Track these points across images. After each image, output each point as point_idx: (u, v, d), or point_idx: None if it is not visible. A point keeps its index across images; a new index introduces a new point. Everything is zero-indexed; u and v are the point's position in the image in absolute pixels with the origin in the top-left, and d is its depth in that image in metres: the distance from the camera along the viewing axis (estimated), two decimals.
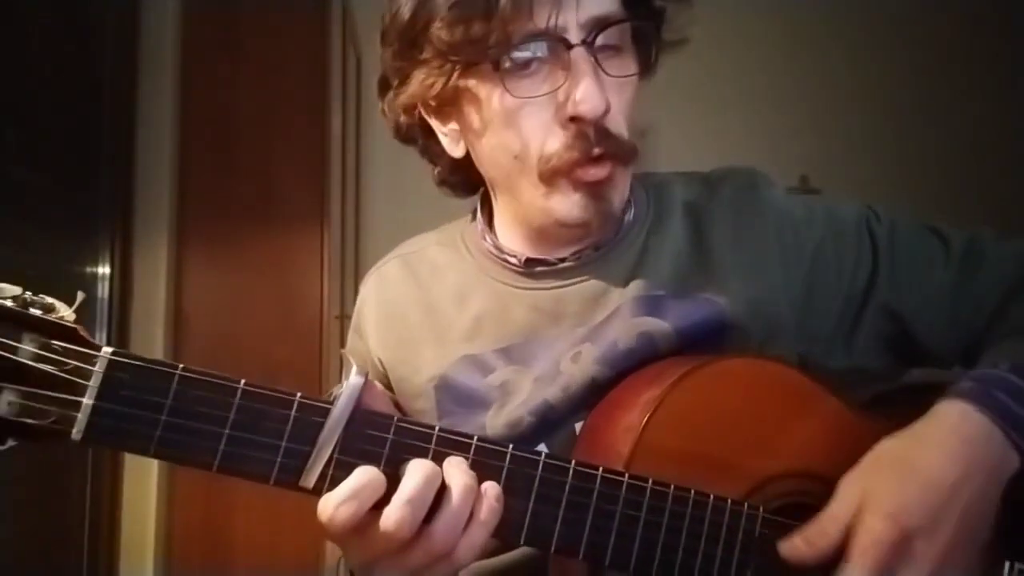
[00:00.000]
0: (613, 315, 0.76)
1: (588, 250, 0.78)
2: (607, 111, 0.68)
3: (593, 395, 0.74)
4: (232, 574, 2.24)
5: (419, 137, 0.81)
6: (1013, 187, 3.21)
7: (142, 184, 2.34)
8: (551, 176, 0.71)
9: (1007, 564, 0.69)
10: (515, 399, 0.76)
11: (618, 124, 0.70)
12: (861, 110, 3.32)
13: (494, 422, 0.76)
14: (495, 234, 0.82)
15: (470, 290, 0.81)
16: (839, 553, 0.61)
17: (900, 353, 0.80)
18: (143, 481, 2.24)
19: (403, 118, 0.78)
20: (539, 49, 0.67)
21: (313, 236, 2.39)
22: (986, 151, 3.30)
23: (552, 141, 0.69)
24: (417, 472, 0.54)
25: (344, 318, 2.70)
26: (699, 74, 2.84)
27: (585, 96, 0.66)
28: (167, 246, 2.31)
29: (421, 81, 0.71)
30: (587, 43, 0.67)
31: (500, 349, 0.77)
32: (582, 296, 0.77)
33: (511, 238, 0.80)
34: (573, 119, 0.68)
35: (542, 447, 0.74)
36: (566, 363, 0.75)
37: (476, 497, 0.56)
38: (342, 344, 2.71)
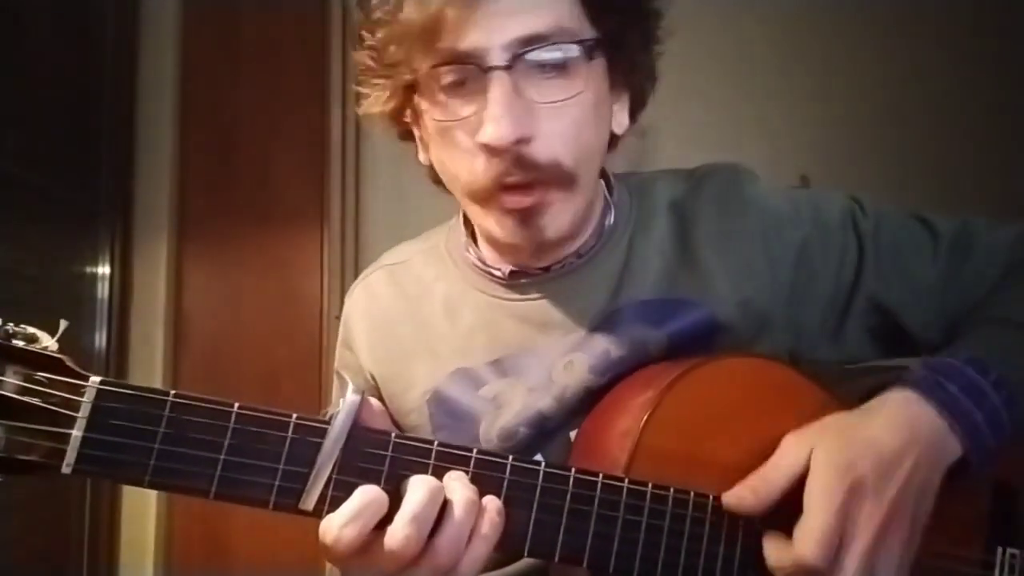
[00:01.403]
0: (604, 323, 0.75)
1: (571, 258, 0.77)
2: (524, 139, 0.64)
3: (587, 404, 0.73)
4: (232, 574, 2.24)
5: (410, 138, 0.80)
6: (1013, 186, 3.21)
7: (142, 184, 2.34)
8: (474, 197, 0.69)
9: (999, 549, 0.69)
10: (508, 411, 0.75)
11: (549, 150, 0.66)
12: (861, 110, 3.31)
13: (488, 435, 0.75)
14: (478, 246, 0.81)
15: (459, 303, 0.80)
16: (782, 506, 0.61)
17: (890, 346, 0.80)
18: None
19: (381, 124, 0.77)
20: (458, 71, 0.65)
21: (313, 236, 2.39)
22: (986, 151, 3.30)
23: (476, 162, 0.67)
24: (420, 488, 0.54)
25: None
26: (698, 73, 2.83)
27: (490, 127, 0.63)
28: (167, 246, 2.31)
29: (375, 97, 0.72)
30: (505, 67, 0.63)
31: (491, 362, 0.77)
32: (569, 305, 0.76)
33: (488, 251, 0.80)
34: (484, 146, 0.65)
35: (538, 457, 0.74)
36: (558, 373, 0.75)
37: (478, 511, 0.55)
38: None
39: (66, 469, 0.49)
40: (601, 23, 0.67)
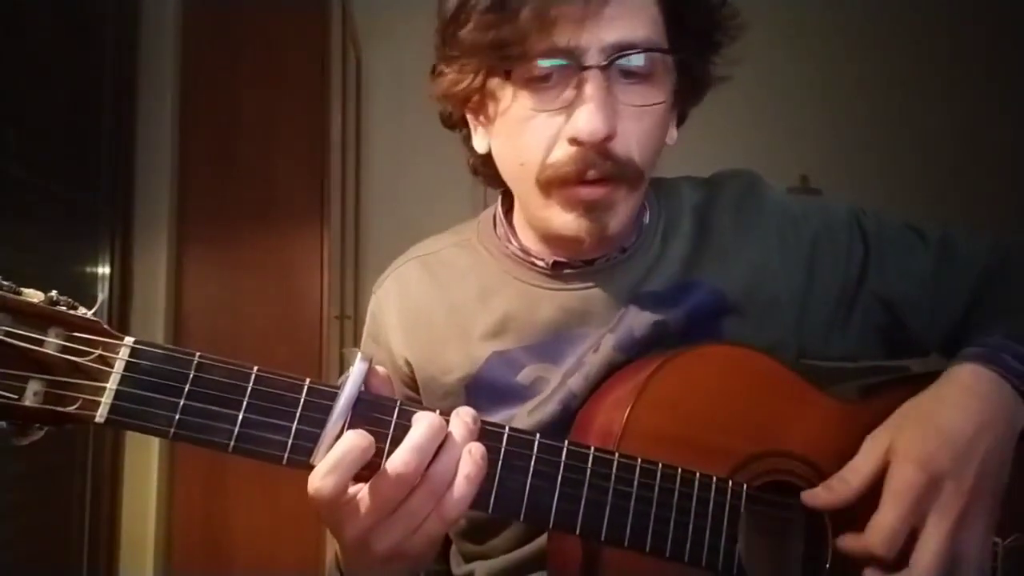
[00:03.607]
0: (631, 307, 0.80)
1: (615, 252, 0.81)
2: (609, 136, 0.68)
3: None
4: (232, 574, 2.24)
5: (459, 126, 0.83)
6: (1011, 186, 3.21)
7: (142, 184, 2.34)
8: (547, 185, 0.72)
9: None
10: (544, 394, 0.79)
11: (626, 148, 0.71)
12: (861, 110, 3.32)
13: (527, 420, 0.78)
14: (519, 237, 0.84)
15: (494, 290, 0.83)
16: (858, 506, 0.66)
17: (890, 344, 0.85)
18: (143, 481, 2.24)
19: (445, 106, 0.80)
20: (556, 65, 0.69)
21: (313, 236, 2.39)
22: (985, 151, 3.30)
23: (556, 153, 0.71)
24: (423, 422, 0.58)
25: (344, 318, 2.70)
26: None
27: (585, 120, 0.68)
28: (167, 246, 2.31)
29: (452, 77, 0.75)
30: (601, 67, 0.68)
31: (528, 347, 0.80)
32: (609, 296, 0.80)
33: (532, 241, 0.83)
34: (574, 140, 0.69)
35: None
36: (589, 355, 0.79)
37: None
38: (342, 344, 2.71)
39: (100, 419, 0.54)
40: (678, 43, 0.73)
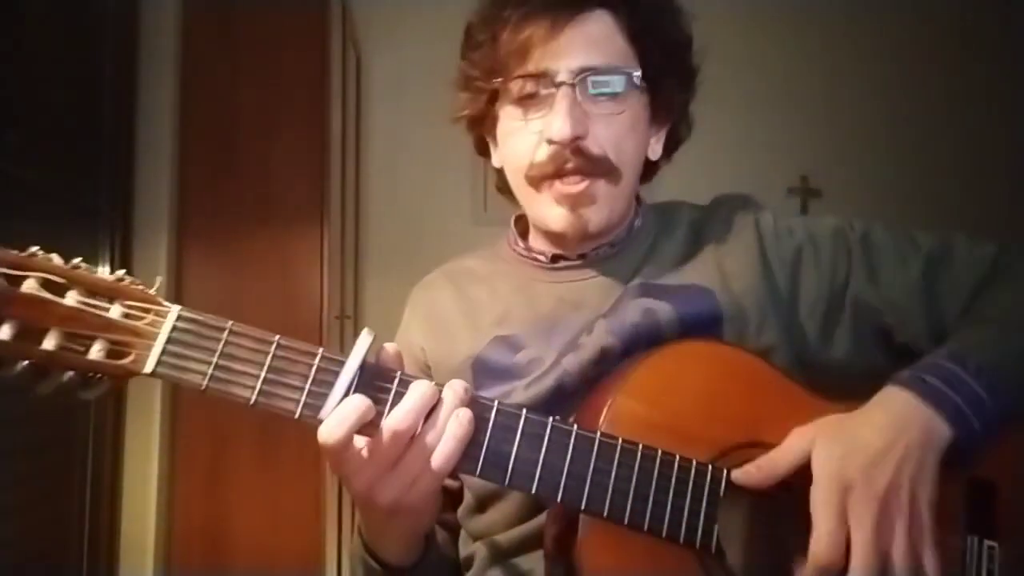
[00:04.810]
0: (623, 296, 0.89)
1: (605, 247, 0.93)
2: (579, 136, 0.84)
3: (602, 365, 0.84)
4: (232, 574, 2.25)
5: (486, 155, 0.99)
6: (1010, 187, 3.22)
7: (142, 184, 2.34)
8: (535, 182, 0.88)
9: (974, 539, 0.73)
10: (540, 371, 0.87)
11: (599, 146, 0.85)
12: (861, 110, 3.32)
13: (523, 394, 0.86)
14: (527, 240, 0.99)
15: (502, 283, 0.97)
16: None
17: (887, 349, 0.88)
18: (143, 481, 2.25)
19: (471, 132, 0.97)
20: (534, 84, 0.86)
21: (313, 236, 2.39)
22: (984, 151, 3.30)
23: (539, 153, 0.86)
24: (418, 388, 0.67)
25: (344, 318, 2.70)
26: (703, 75, 2.83)
27: (555, 123, 0.84)
28: (167, 246, 2.32)
29: (467, 99, 0.93)
30: (570, 84, 0.84)
31: (528, 332, 0.91)
32: (601, 287, 0.91)
33: (537, 240, 0.97)
34: (549, 140, 0.84)
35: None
36: (583, 336, 0.87)
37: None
38: (342, 344, 2.71)
39: (147, 371, 0.66)
40: (644, 63, 0.87)
